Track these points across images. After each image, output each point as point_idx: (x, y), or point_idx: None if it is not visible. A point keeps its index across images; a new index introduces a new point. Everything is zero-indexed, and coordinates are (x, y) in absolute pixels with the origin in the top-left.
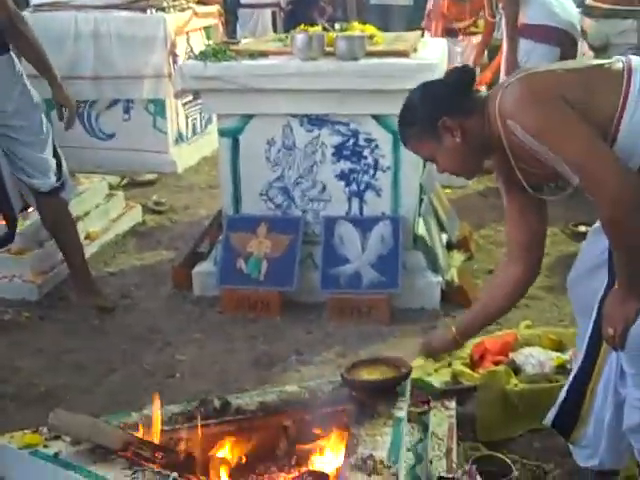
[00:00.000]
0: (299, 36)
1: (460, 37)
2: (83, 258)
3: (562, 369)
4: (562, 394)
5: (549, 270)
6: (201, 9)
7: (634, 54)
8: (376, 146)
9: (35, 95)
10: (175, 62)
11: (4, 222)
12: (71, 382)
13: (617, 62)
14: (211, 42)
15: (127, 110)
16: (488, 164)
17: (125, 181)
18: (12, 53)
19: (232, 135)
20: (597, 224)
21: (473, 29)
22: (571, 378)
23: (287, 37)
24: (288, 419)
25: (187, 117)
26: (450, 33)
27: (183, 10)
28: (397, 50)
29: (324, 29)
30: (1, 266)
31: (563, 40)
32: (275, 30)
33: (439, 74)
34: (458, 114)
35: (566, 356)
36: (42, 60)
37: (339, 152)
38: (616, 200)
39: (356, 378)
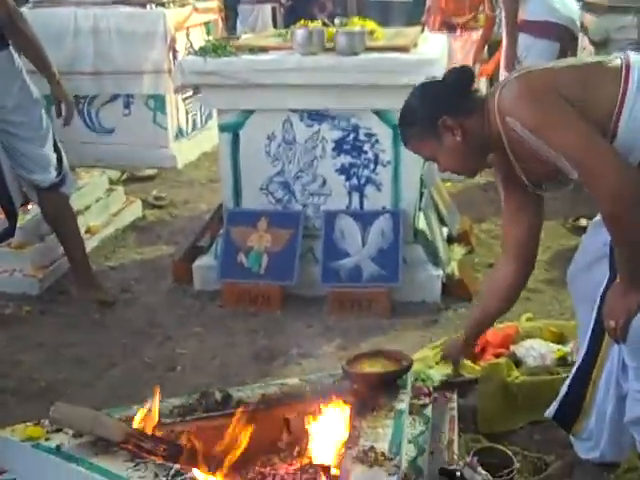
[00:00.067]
0: (299, 31)
1: (459, 32)
2: (84, 252)
3: (563, 361)
4: (564, 388)
5: (550, 263)
6: (201, 4)
7: (634, 49)
8: (376, 141)
9: (35, 90)
10: (175, 57)
11: (4, 216)
12: (72, 376)
13: (615, 59)
14: (211, 37)
15: (127, 105)
16: (490, 157)
17: (125, 176)
18: (11, 49)
19: (232, 130)
20: (597, 217)
21: (473, 24)
22: (573, 371)
23: (287, 32)
24: (289, 411)
25: (187, 112)
26: (448, 28)
27: (183, 6)
28: (397, 45)
29: (324, 24)
30: (2, 260)
31: (563, 35)
32: (275, 26)
33: (439, 69)
34: (458, 113)
35: (567, 348)
36: (41, 57)
37: (339, 147)
38: (616, 195)
39: (357, 371)
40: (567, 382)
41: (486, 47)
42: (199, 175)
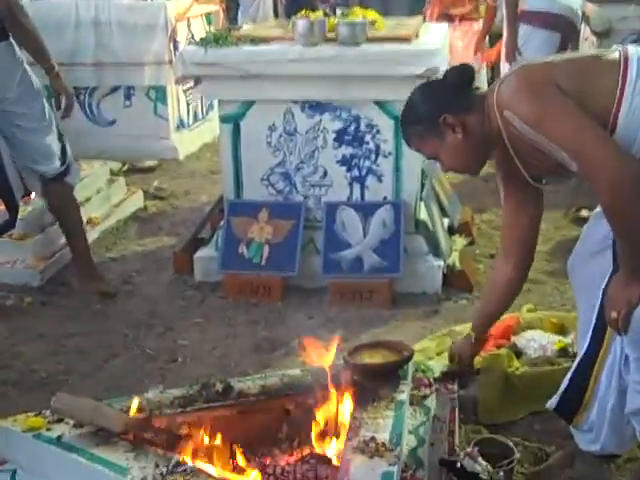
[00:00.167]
0: (300, 22)
1: (457, 23)
2: (86, 243)
3: (564, 352)
4: (566, 380)
5: (551, 254)
6: None
7: (637, 39)
8: (377, 131)
9: (36, 81)
10: (176, 48)
11: (5, 208)
12: (73, 367)
13: (614, 51)
14: (212, 28)
15: (128, 96)
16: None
17: (126, 167)
18: (12, 40)
19: (233, 121)
20: (598, 208)
21: (474, 15)
22: (575, 364)
23: (288, 23)
24: (290, 402)
25: (188, 103)
26: (446, 19)
27: None
28: (399, 35)
29: (325, 15)
30: (3, 251)
31: (563, 26)
32: (276, 16)
33: (441, 59)
34: (459, 111)
35: (568, 339)
36: (40, 49)
37: (340, 137)
38: (616, 185)
39: (358, 362)
40: (569, 374)
41: (487, 38)
42: (200, 166)
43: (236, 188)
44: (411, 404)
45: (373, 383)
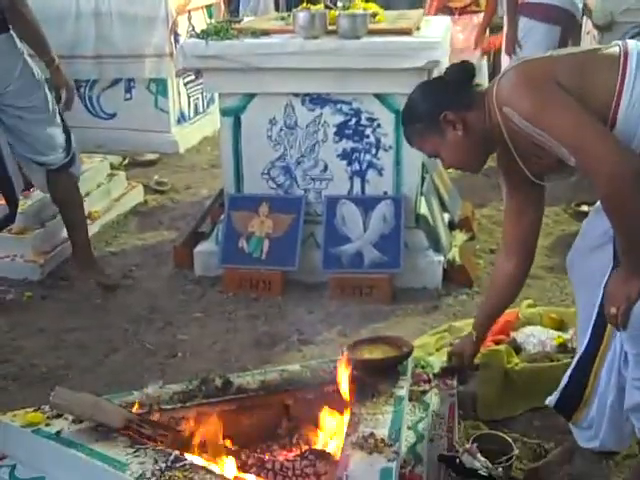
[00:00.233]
0: (301, 14)
1: (457, 16)
2: (87, 236)
3: (563, 348)
4: (565, 377)
5: (551, 249)
6: None
7: (639, 32)
8: (378, 125)
9: (37, 72)
10: (177, 41)
11: (4, 203)
12: (73, 362)
13: (614, 46)
14: (213, 21)
15: (129, 89)
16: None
17: (127, 161)
18: (12, 32)
19: (234, 114)
20: (599, 203)
21: (474, 8)
22: (575, 360)
23: (289, 15)
24: (290, 398)
25: (189, 97)
26: (446, 12)
27: None
28: (400, 28)
29: (326, 7)
30: (3, 246)
31: (563, 19)
32: (277, 8)
33: (442, 52)
34: (459, 108)
35: (567, 335)
36: (40, 42)
37: (341, 131)
38: (615, 180)
39: (358, 357)
40: (569, 371)
41: (488, 31)
42: (201, 160)
43: (236, 182)
44: (410, 400)
45: (372, 378)
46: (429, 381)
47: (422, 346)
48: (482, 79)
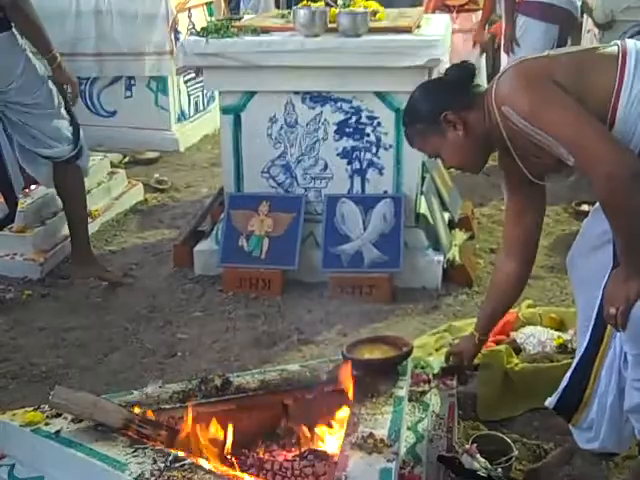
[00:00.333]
0: (301, 12)
1: (454, 14)
2: (87, 231)
3: (563, 348)
4: (565, 378)
5: (551, 249)
6: None
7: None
8: (378, 123)
9: (40, 68)
10: (177, 39)
11: (4, 202)
12: (72, 361)
13: (612, 45)
14: (213, 18)
15: (129, 87)
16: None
17: (127, 159)
18: (14, 30)
19: (234, 112)
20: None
21: (472, 5)
22: (575, 362)
23: (289, 13)
24: (289, 398)
25: (189, 95)
26: (444, 10)
27: None
28: (400, 26)
29: (327, 5)
30: (3, 244)
31: (561, 18)
32: (278, 6)
33: (442, 50)
34: (459, 108)
35: (567, 335)
36: (43, 40)
37: (341, 129)
38: (613, 180)
39: (357, 357)
40: (568, 372)
41: (486, 29)
42: (201, 158)
43: (237, 181)
44: (410, 400)
45: (372, 378)
46: (429, 381)
47: (422, 346)
48: (481, 78)
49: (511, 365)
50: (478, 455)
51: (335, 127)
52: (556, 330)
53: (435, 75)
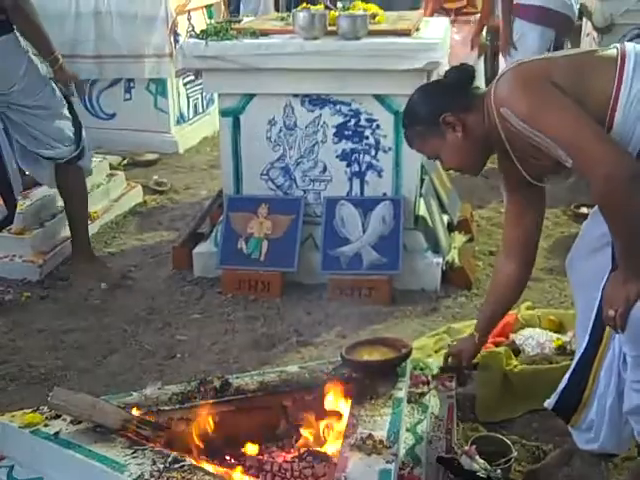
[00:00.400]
0: (301, 14)
1: (452, 17)
2: (87, 230)
3: (562, 350)
4: (564, 379)
5: (550, 251)
6: None
7: (639, 34)
8: (377, 126)
9: (42, 69)
10: (176, 41)
11: (3, 204)
12: (71, 362)
13: (611, 48)
14: (213, 21)
15: (128, 90)
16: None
17: (126, 161)
18: (16, 32)
19: (233, 115)
20: None
21: (470, 9)
22: (574, 362)
23: (289, 16)
24: (288, 399)
25: (188, 97)
26: (442, 13)
27: None
28: (399, 29)
29: (326, 8)
30: (2, 246)
31: (557, 22)
32: (277, 9)
33: (441, 53)
34: (458, 110)
35: (566, 337)
36: (44, 42)
37: (340, 132)
38: (611, 182)
39: (356, 359)
40: (567, 373)
41: (485, 32)
42: (200, 160)
43: (236, 183)
44: (409, 402)
45: (371, 380)
46: (428, 383)
47: (421, 348)
48: (479, 81)
49: (510, 367)
50: (477, 456)
51: (334, 130)
52: (555, 332)
53: (434, 78)
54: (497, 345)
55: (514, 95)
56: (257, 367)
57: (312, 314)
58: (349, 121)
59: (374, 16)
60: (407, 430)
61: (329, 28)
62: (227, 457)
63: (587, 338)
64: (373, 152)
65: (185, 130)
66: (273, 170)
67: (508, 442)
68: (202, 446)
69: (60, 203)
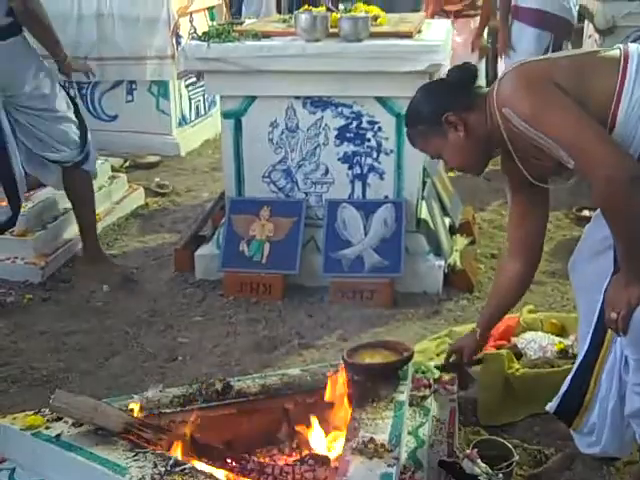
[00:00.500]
0: (303, 16)
1: (453, 19)
2: (96, 231)
3: (564, 354)
4: (566, 382)
5: (552, 255)
6: None
7: None
8: (379, 128)
9: (51, 71)
10: (178, 43)
11: (7, 204)
12: (73, 365)
13: (614, 49)
14: (215, 23)
15: (130, 92)
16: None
17: (128, 163)
18: (25, 33)
19: (235, 117)
20: None
21: (471, 11)
22: (576, 366)
23: (291, 18)
24: (290, 402)
25: (190, 99)
26: (442, 15)
27: None
28: (401, 31)
29: (328, 10)
30: (4, 248)
31: (555, 25)
32: (279, 11)
33: (443, 55)
34: (461, 109)
35: (568, 341)
36: (54, 42)
37: (342, 134)
38: (612, 184)
39: (358, 362)
40: (569, 377)
41: (486, 33)
42: (202, 163)
43: (237, 185)
44: (411, 405)
45: (373, 383)
46: (429, 386)
47: (422, 351)
48: (480, 83)
49: (512, 370)
50: (479, 460)
51: (336, 132)
52: (557, 335)
53: None
54: (499, 348)
55: (516, 95)
56: (259, 370)
57: (314, 317)
58: (351, 123)
59: (376, 18)
60: (409, 433)
61: (331, 30)
62: (228, 460)
63: (589, 341)
64: (375, 155)
65: (187, 132)
66: (275, 172)
67: (510, 446)
68: (204, 449)
69: (62, 205)
